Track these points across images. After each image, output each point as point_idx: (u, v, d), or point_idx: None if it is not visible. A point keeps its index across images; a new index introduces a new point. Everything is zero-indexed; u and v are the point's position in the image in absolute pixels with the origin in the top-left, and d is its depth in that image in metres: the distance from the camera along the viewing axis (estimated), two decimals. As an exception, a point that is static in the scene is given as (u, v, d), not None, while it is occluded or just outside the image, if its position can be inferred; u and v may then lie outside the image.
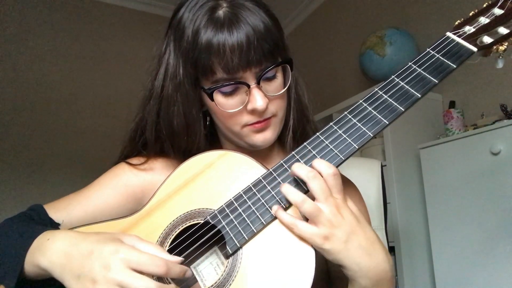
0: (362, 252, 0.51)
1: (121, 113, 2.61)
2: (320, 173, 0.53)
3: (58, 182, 2.54)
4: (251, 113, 0.64)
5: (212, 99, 0.63)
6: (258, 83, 0.62)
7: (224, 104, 0.63)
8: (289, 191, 0.54)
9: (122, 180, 0.72)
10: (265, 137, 0.66)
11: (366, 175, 1.06)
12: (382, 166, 1.07)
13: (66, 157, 2.64)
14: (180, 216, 0.60)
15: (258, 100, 0.62)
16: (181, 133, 0.67)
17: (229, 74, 0.61)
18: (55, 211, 0.67)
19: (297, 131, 0.73)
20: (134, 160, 0.74)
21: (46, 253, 0.51)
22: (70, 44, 2.82)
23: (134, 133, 0.75)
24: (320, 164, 0.54)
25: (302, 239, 0.53)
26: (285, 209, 0.55)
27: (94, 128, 2.75)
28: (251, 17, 0.61)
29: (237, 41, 0.59)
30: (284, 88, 0.66)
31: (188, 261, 0.61)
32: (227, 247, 0.55)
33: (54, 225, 0.65)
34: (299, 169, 0.54)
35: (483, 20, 0.62)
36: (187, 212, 0.60)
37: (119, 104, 2.76)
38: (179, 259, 0.53)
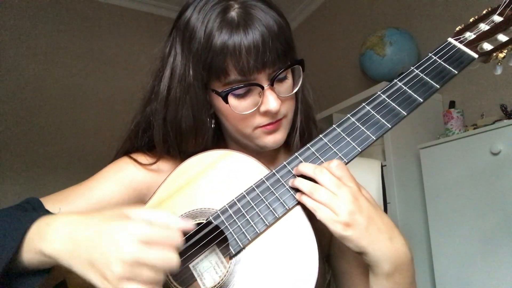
0: (383, 237, 0.51)
1: (122, 113, 2.60)
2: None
3: (58, 183, 2.54)
4: (264, 115, 0.63)
5: (227, 102, 0.61)
6: (271, 84, 0.61)
7: (237, 106, 0.62)
8: (302, 181, 0.54)
9: (128, 176, 0.69)
10: (276, 138, 0.66)
11: (366, 175, 1.05)
12: (382, 166, 1.06)
13: (66, 157, 2.63)
14: (182, 215, 0.60)
15: (271, 101, 0.61)
16: (189, 135, 0.66)
17: (243, 76, 0.60)
18: (53, 203, 0.64)
19: (304, 132, 0.73)
20: (142, 159, 0.71)
21: (47, 239, 0.47)
22: (71, 43, 2.82)
23: (132, 133, 0.73)
24: (323, 163, 0.55)
25: (304, 240, 0.53)
26: (288, 210, 0.55)
27: (95, 127, 2.75)
28: (264, 17, 0.59)
29: (252, 42, 0.58)
30: (295, 89, 0.66)
31: (188, 261, 0.61)
32: (230, 248, 0.55)
33: None
34: (304, 167, 0.55)
35: (483, 26, 0.63)
36: (189, 211, 0.60)
37: (120, 104, 2.75)
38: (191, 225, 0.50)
